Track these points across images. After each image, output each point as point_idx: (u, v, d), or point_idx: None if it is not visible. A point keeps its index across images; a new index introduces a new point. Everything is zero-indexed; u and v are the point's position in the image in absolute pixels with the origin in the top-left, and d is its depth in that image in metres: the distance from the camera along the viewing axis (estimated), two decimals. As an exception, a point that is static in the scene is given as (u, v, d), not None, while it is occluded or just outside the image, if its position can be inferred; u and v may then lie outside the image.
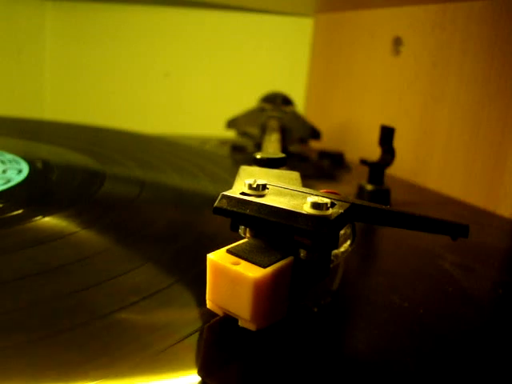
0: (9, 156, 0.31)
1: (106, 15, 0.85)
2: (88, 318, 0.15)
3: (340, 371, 0.14)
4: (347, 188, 0.36)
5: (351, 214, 0.15)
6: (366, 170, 0.33)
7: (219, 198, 0.15)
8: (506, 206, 0.33)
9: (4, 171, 0.28)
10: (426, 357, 0.15)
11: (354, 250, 0.23)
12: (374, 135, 0.34)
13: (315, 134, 0.47)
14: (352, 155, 0.46)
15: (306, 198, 0.15)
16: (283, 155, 0.21)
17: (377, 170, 0.33)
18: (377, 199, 0.32)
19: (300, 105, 0.55)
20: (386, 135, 0.33)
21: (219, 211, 0.15)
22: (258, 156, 0.21)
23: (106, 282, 0.17)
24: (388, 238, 0.27)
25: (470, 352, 0.16)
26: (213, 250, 0.15)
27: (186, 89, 0.86)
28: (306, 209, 0.14)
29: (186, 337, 0.14)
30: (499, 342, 0.17)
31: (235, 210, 0.15)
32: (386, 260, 0.24)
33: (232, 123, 0.49)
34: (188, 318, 0.16)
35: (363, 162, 0.33)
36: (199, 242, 0.22)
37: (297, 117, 0.48)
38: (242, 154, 0.46)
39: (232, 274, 0.14)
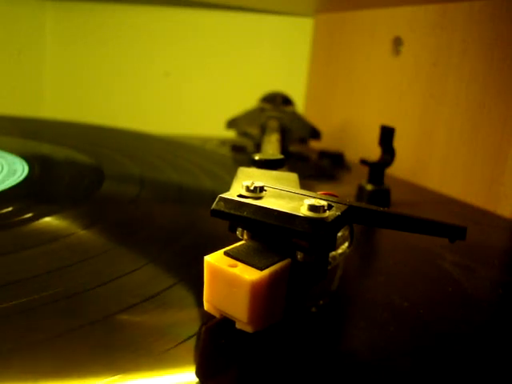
0: (8, 155, 0.31)
1: (106, 15, 0.85)
2: (87, 319, 0.15)
3: (339, 371, 0.14)
4: (347, 188, 0.36)
5: (349, 216, 0.15)
6: (366, 170, 0.33)
7: (216, 200, 0.15)
8: (505, 205, 0.33)
9: (3, 171, 0.28)
10: (426, 357, 0.15)
11: (354, 249, 0.23)
12: (374, 135, 0.34)
13: (315, 133, 0.47)
14: (352, 155, 0.46)
15: (303, 200, 0.15)
16: (281, 156, 0.21)
17: (377, 169, 0.33)
18: (377, 199, 0.32)
19: (300, 105, 0.55)
20: (386, 135, 0.32)
21: (217, 214, 0.15)
22: (257, 157, 0.20)
23: (105, 284, 0.17)
24: (388, 237, 0.27)
25: (470, 352, 0.16)
26: (212, 251, 0.15)
27: (186, 89, 0.86)
28: (304, 211, 0.14)
29: (184, 339, 0.14)
30: (499, 342, 0.17)
31: (232, 212, 0.15)
32: (386, 260, 0.24)
33: (232, 123, 0.49)
34: (186, 320, 0.16)
35: (363, 161, 0.33)
36: (199, 242, 0.22)
37: (297, 117, 0.48)
38: (242, 153, 0.46)
39: (229, 276, 0.14)
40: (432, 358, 0.15)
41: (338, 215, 0.15)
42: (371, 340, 0.16)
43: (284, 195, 0.16)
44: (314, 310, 0.17)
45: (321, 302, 0.17)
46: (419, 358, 0.15)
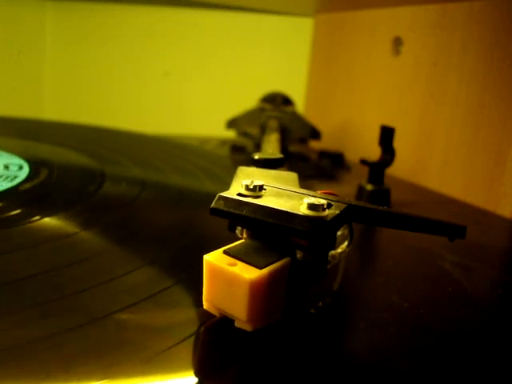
0: (8, 156, 0.31)
1: (106, 15, 0.85)
2: (86, 319, 0.15)
3: (339, 372, 0.14)
4: (347, 188, 0.36)
5: (348, 215, 0.15)
6: (366, 170, 0.33)
7: (216, 198, 0.15)
8: (505, 205, 0.33)
9: (4, 171, 0.28)
10: (426, 357, 0.15)
11: (354, 250, 0.22)
12: (374, 135, 0.33)
13: (315, 133, 0.47)
14: (352, 155, 0.46)
15: (302, 198, 0.15)
16: (281, 156, 0.21)
17: (377, 169, 0.33)
18: (377, 199, 0.32)
19: (300, 105, 0.55)
20: (386, 135, 0.32)
21: (216, 212, 0.15)
22: (256, 157, 0.20)
23: (104, 283, 0.17)
24: (388, 238, 0.27)
25: (470, 352, 0.16)
26: (211, 251, 0.15)
27: (186, 89, 0.86)
28: (303, 210, 0.14)
29: (184, 338, 0.14)
30: (499, 342, 0.17)
31: (232, 211, 0.15)
32: (386, 260, 0.24)
33: (232, 123, 0.49)
34: (186, 320, 0.16)
35: (363, 161, 0.33)
36: (198, 242, 0.22)
37: (297, 117, 0.48)
38: (242, 154, 0.46)
39: (228, 274, 0.14)
40: (432, 358, 0.15)
41: (338, 214, 0.15)
42: (371, 341, 0.16)
43: (283, 194, 0.16)
44: (312, 311, 0.17)
45: (320, 303, 0.17)
46: (419, 359, 0.15)
